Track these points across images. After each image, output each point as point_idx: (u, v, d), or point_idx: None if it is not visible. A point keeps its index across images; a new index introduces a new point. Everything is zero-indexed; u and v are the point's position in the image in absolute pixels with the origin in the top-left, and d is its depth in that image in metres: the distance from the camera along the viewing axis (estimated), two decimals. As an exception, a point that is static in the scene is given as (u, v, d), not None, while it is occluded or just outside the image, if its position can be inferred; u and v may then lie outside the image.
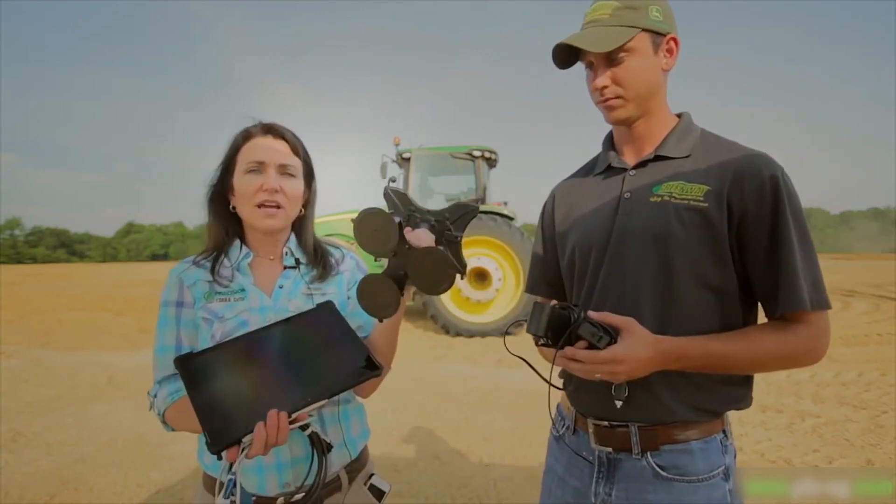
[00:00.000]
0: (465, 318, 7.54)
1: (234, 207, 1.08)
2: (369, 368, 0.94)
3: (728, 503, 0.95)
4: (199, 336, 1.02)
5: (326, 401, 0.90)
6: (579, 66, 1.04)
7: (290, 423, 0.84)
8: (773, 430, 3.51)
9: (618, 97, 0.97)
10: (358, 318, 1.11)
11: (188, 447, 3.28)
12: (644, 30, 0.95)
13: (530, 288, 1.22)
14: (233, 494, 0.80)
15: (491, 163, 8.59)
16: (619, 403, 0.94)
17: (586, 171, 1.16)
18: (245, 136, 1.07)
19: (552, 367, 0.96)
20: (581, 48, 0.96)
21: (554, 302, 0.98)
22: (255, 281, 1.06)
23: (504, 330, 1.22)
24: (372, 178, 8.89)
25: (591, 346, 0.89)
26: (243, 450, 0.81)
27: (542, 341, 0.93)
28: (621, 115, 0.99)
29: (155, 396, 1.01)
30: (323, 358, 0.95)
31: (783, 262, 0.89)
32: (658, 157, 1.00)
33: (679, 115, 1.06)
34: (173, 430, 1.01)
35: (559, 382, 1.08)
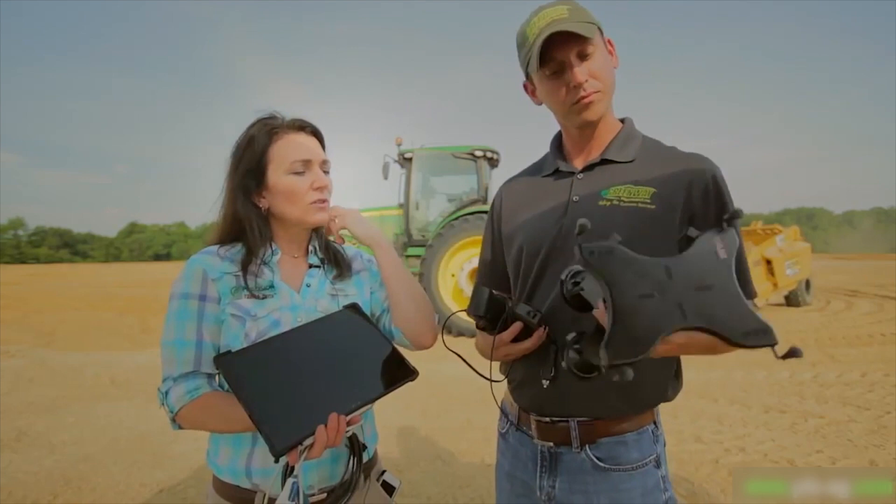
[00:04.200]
0: (468, 318, 7.53)
1: (267, 209, 1.05)
2: (404, 371, 0.96)
3: (661, 488, 1.00)
4: (224, 333, 0.97)
5: (372, 404, 0.91)
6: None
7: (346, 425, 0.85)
8: (776, 430, 3.51)
9: (597, 91, 0.97)
10: (380, 307, 1.14)
11: (191, 447, 3.29)
12: (598, 27, 0.97)
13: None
14: (297, 496, 0.80)
15: (493, 163, 8.58)
16: (545, 383, 1.00)
17: (533, 171, 1.17)
18: (271, 133, 1.03)
19: (491, 360, 1.03)
20: (557, 42, 0.94)
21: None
22: (283, 277, 1.05)
23: (442, 324, 1.25)
24: (373, 178, 8.87)
25: (526, 327, 0.98)
26: (302, 452, 0.81)
27: (482, 323, 0.99)
28: (601, 111, 0.99)
29: (167, 393, 0.95)
30: (362, 360, 0.96)
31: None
32: (605, 161, 1.03)
33: (622, 121, 1.09)
34: (181, 428, 0.97)
35: (498, 377, 1.12)
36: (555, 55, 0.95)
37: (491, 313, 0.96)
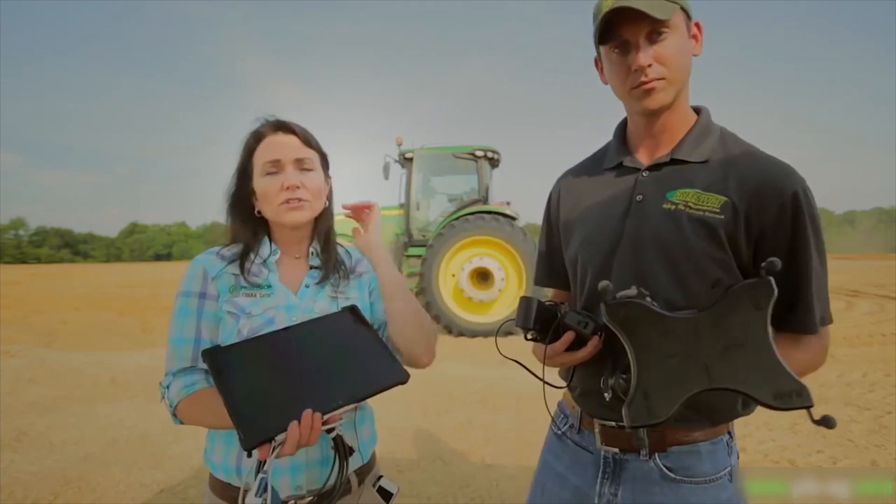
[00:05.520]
0: (468, 318, 7.54)
1: (258, 212, 1.08)
2: (394, 374, 0.94)
3: None
4: (221, 330, 1.00)
5: (356, 405, 0.90)
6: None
7: (322, 424, 0.84)
8: (777, 430, 3.50)
9: (661, 78, 0.88)
10: (378, 319, 1.13)
11: (191, 446, 3.29)
12: (681, 7, 0.89)
13: (538, 281, 1.21)
14: (265, 492, 0.79)
15: (493, 163, 8.58)
16: (607, 396, 0.93)
17: (594, 162, 1.10)
18: (256, 138, 1.06)
19: (544, 367, 0.97)
20: (628, 19, 0.87)
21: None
22: (281, 278, 1.06)
23: (496, 331, 1.27)
24: (374, 178, 8.86)
25: (578, 336, 0.91)
26: (274, 449, 0.80)
27: (531, 334, 0.94)
28: (663, 100, 0.91)
29: (167, 388, 0.99)
30: (352, 361, 0.95)
31: (799, 282, 0.87)
32: (674, 161, 0.94)
33: (697, 111, 0.99)
34: (181, 423, 0.99)
35: (557, 380, 1.08)
36: (622, 32, 0.88)
37: (540, 324, 0.92)
